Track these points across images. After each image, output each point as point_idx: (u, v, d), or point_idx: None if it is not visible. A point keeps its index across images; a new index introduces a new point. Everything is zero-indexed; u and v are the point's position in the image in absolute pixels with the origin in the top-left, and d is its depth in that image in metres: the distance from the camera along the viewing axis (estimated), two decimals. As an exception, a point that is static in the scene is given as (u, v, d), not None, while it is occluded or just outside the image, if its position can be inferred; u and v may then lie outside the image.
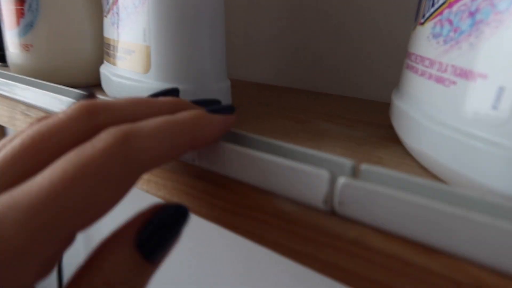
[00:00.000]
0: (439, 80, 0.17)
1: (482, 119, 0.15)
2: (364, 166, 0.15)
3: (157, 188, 0.20)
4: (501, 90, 0.14)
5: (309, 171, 0.14)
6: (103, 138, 0.12)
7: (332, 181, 0.14)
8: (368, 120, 0.28)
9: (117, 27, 0.26)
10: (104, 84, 0.30)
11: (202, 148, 0.17)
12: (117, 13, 0.25)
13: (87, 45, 0.34)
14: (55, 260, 0.12)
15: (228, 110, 0.17)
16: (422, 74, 0.19)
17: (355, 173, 0.15)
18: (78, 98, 0.16)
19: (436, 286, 0.12)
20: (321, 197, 0.14)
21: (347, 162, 0.15)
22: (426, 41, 0.19)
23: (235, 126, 0.18)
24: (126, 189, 0.12)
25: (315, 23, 0.36)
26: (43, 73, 0.34)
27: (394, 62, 0.33)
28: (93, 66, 0.35)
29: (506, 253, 0.11)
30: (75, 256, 0.84)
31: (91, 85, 0.35)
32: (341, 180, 0.14)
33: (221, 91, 0.24)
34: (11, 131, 0.86)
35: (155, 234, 0.13)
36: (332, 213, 0.14)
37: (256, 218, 0.16)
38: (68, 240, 0.12)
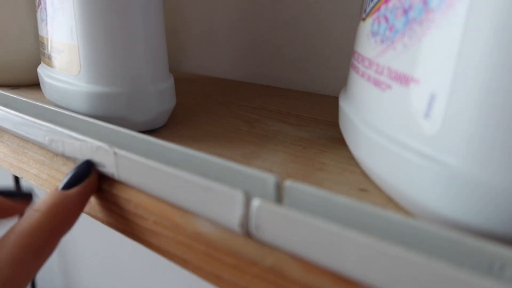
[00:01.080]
0: (377, 83, 0.16)
1: (415, 128, 0.13)
2: (288, 183, 0.13)
3: (82, 203, 0.18)
4: (432, 97, 0.13)
5: (223, 191, 0.13)
6: None
7: (247, 203, 0.12)
8: (322, 118, 0.27)
9: (46, 24, 0.24)
10: (41, 85, 0.28)
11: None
12: (45, 9, 0.23)
13: (28, 42, 0.32)
14: None
15: (85, 168, 0.17)
16: (363, 75, 0.17)
17: (279, 190, 0.13)
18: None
19: (353, 321, 0.11)
20: (237, 220, 0.13)
21: (269, 178, 0.13)
22: (366, 39, 0.17)
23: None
24: None
25: (274, 16, 0.35)
26: (-18, 72, 0.32)
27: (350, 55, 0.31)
28: (35, 64, 0.32)
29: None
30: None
31: (32, 85, 0.33)
32: (256, 203, 0.12)
33: (161, 93, 0.23)
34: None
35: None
36: (249, 236, 0.13)
37: (176, 239, 0.15)
38: None
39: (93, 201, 0.18)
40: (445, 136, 0.12)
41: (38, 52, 0.32)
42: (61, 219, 0.15)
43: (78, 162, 0.17)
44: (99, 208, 0.18)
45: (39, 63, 0.32)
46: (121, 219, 0.17)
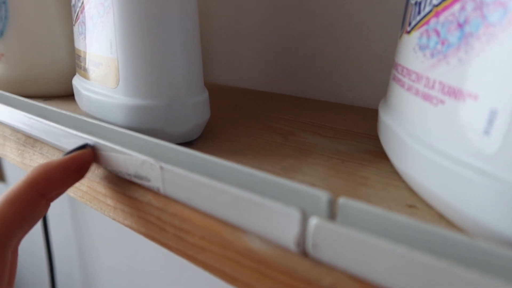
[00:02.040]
0: (427, 97, 0.15)
1: (473, 145, 0.13)
2: (342, 201, 0.13)
3: (124, 217, 0.18)
4: (493, 114, 0.12)
5: (278, 209, 0.13)
6: None
7: (304, 221, 0.12)
8: (357, 130, 0.26)
9: (84, 37, 0.24)
10: (76, 97, 0.28)
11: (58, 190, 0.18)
12: (84, 23, 0.24)
13: (61, 54, 0.33)
14: None
15: (80, 148, 0.19)
16: (409, 89, 0.17)
17: (332, 207, 0.13)
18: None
19: None
20: (292, 238, 0.13)
21: (323, 195, 0.13)
22: (412, 53, 0.17)
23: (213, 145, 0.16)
24: None
25: (303, 26, 0.35)
26: (16, 84, 0.33)
27: (386, 66, 0.31)
28: (67, 76, 0.33)
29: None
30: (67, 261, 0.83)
31: (63, 96, 0.34)
32: (313, 221, 0.12)
33: (196, 105, 0.23)
34: None
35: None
36: (306, 255, 0.13)
37: (225, 255, 0.15)
38: None
39: (135, 214, 0.18)
40: (507, 154, 0.12)
41: (70, 64, 0.33)
42: (43, 179, 0.17)
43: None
44: (142, 222, 0.18)
45: (71, 74, 0.33)
46: (164, 233, 0.17)
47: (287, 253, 0.13)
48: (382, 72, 0.31)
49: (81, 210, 0.72)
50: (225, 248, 0.14)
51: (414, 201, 0.17)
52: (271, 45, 0.37)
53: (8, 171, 0.95)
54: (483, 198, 0.13)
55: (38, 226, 0.77)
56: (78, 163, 0.18)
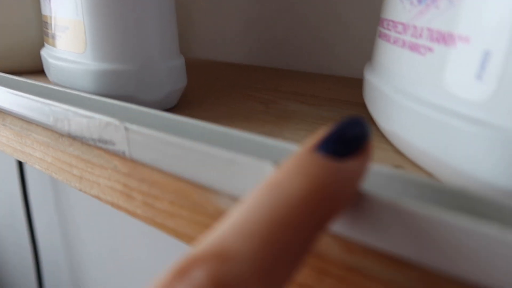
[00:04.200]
0: (414, 47, 0.14)
1: (464, 92, 0.12)
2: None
3: (90, 186, 0.17)
4: (486, 55, 0.11)
5: (249, 164, 0.11)
6: None
7: (278, 176, 0.11)
8: (340, 98, 0.25)
9: (50, 1, 0.22)
10: (45, 69, 0.26)
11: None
12: (48, -16, 0.22)
13: (30, 26, 0.31)
14: None
15: (360, 138, 0.10)
16: (395, 42, 0.16)
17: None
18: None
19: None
20: (266, 196, 0.11)
21: (292, 148, 0.12)
22: (399, 3, 0.16)
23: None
24: None
25: (285, -6, 0.33)
26: (-17, 58, 0.31)
27: (370, 34, 0.30)
28: (37, 50, 0.31)
29: None
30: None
31: (35, 71, 0.32)
32: (289, 175, 0.11)
33: (171, 71, 0.21)
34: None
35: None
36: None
37: (195, 220, 0.13)
38: None
39: (101, 182, 0.16)
40: (502, 98, 0.11)
41: (41, 38, 0.31)
42: (328, 203, 0.09)
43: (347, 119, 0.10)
44: (108, 190, 0.16)
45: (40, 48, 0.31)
46: (132, 200, 0.15)
47: (261, 214, 0.12)
48: (370, 42, 0.30)
49: (64, 196, 0.70)
50: (196, 212, 0.13)
51: (401, 162, 0.16)
52: (254, 15, 0.36)
53: None
54: (475, 148, 0.12)
55: (21, 214, 0.76)
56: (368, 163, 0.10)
